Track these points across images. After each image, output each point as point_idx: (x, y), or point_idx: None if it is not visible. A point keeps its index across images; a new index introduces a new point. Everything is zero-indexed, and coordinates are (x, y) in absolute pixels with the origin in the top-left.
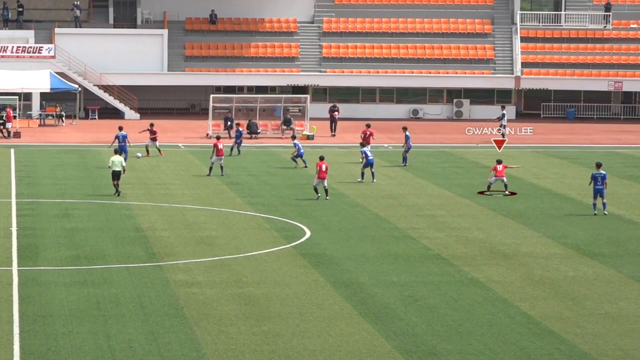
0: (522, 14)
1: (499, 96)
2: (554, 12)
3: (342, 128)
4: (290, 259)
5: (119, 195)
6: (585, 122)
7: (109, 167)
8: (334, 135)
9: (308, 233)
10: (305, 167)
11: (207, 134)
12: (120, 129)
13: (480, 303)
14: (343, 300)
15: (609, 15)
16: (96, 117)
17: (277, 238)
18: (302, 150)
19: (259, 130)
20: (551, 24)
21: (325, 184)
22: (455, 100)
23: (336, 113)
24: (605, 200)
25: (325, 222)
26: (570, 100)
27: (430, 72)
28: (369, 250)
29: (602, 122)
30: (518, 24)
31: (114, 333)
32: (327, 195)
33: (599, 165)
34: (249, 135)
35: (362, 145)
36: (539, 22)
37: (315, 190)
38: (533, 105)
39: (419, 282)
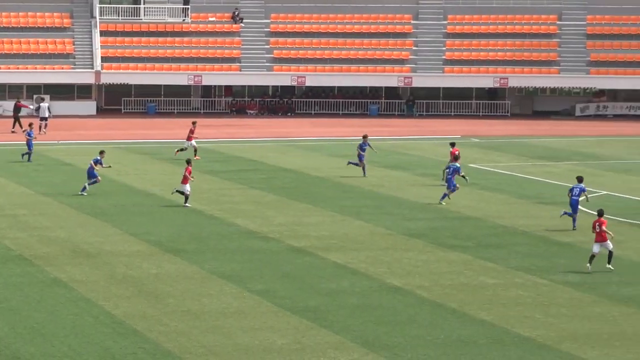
0: (101, 7)
1: (79, 92)
2: (133, 6)
3: None
4: None
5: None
6: (166, 117)
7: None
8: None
9: None
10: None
11: None
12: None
13: (63, 304)
14: None
15: (188, 8)
16: None
17: None
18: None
19: None
20: (131, 18)
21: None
22: (35, 97)
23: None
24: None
25: None
26: (151, 94)
27: (9, 68)
28: None
29: (183, 116)
30: (97, 17)
31: None
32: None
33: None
34: None
35: None
36: (119, 16)
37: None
38: (114, 101)
39: (1, 284)
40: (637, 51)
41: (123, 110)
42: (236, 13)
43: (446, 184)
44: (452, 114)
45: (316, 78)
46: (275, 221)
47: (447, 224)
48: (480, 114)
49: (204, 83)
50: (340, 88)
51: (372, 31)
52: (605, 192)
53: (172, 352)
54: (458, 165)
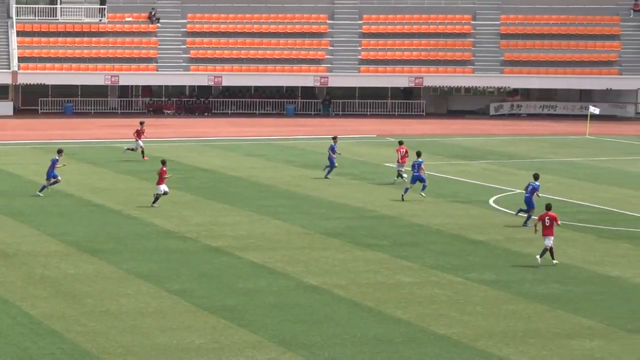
0: (18, 7)
1: None
2: (50, 6)
3: None
4: None
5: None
6: (84, 117)
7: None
8: None
9: None
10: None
11: None
12: None
13: None
14: None
15: (105, 8)
16: None
17: None
18: None
19: None
20: (47, 18)
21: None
22: None
23: None
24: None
25: None
26: (69, 95)
27: None
28: None
29: (100, 116)
30: (14, 17)
31: None
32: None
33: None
34: None
35: None
36: (36, 16)
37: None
38: (31, 101)
39: None
40: (550, 51)
41: (40, 111)
42: (153, 13)
43: (410, 181)
44: (368, 113)
45: (233, 78)
46: (193, 221)
47: (364, 223)
48: (396, 113)
49: (121, 83)
50: (256, 88)
51: (288, 31)
52: (519, 191)
53: (91, 352)
54: (421, 160)
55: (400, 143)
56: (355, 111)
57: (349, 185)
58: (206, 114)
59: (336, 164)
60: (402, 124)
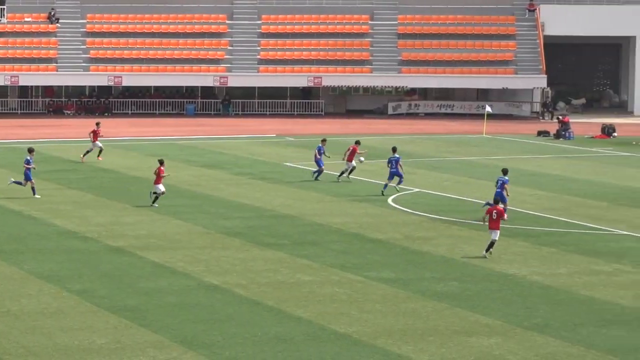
0: None
1: None
2: None
3: None
4: None
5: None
6: None
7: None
8: None
9: None
10: None
11: None
12: None
13: None
14: None
15: (4, 8)
16: None
17: None
18: None
19: None
20: None
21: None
22: None
23: None
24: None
25: None
26: None
27: None
28: None
29: (0, 117)
30: None
31: None
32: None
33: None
34: None
35: None
36: None
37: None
38: None
39: None
40: (447, 50)
41: None
42: (52, 13)
43: (389, 177)
44: (268, 113)
45: (133, 78)
46: (94, 221)
47: (264, 223)
48: (295, 113)
49: (21, 83)
50: (156, 88)
51: (187, 31)
52: (417, 190)
53: None
54: (398, 156)
55: (357, 143)
56: (255, 111)
57: (249, 185)
58: (106, 114)
59: (323, 166)
60: (301, 123)
